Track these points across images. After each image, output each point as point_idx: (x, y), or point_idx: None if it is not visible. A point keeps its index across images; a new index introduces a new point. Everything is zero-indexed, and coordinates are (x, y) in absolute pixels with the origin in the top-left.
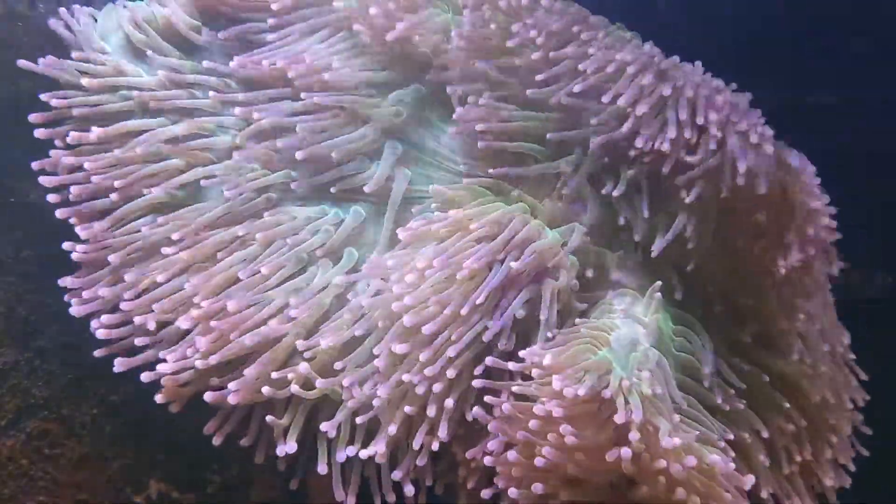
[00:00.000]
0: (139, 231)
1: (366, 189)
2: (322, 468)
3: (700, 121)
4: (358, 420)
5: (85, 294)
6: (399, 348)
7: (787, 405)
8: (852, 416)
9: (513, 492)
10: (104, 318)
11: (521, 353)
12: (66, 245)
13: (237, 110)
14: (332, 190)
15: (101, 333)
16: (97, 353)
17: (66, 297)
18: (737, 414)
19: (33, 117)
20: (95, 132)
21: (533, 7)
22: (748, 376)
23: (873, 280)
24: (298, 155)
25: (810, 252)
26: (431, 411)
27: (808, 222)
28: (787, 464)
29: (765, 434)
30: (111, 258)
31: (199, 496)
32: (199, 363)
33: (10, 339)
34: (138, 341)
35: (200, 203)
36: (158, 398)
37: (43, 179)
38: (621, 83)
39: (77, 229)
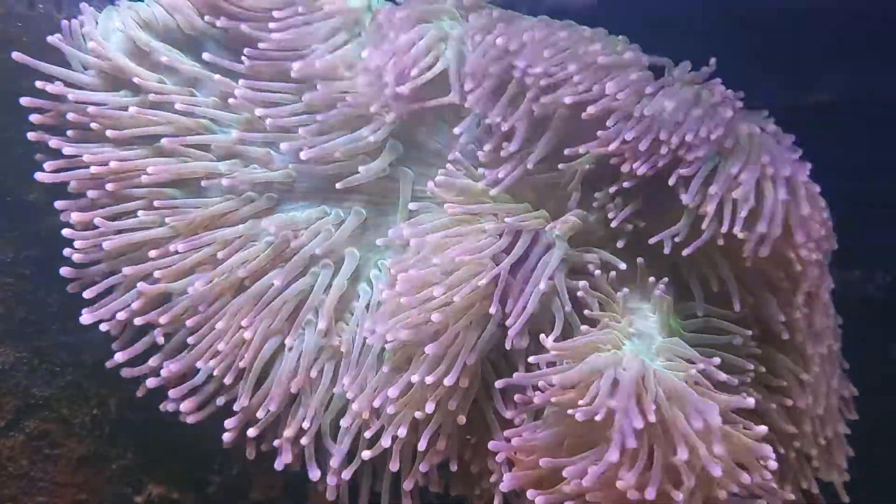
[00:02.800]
0: (138, 230)
1: (360, 172)
2: (315, 474)
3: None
4: (366, 434)
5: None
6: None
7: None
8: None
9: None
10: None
11: (532, 360)
12: (66, 251)
13: (238, 108)
14: (333, 187)
15: (118, 356)
16: (114, 362)
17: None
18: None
19: (34, 118)
20: (94, 128)
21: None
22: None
23: (873, 279)
24: (302, 154)
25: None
26: (441, 413)
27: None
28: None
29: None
30: (107, 254)
31: (199, 496)
32: (210, 386)
33: (10, 339)
34: (153, 360)
35: (200, 202)
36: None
37: (42, 176)
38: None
39: (75, 228)
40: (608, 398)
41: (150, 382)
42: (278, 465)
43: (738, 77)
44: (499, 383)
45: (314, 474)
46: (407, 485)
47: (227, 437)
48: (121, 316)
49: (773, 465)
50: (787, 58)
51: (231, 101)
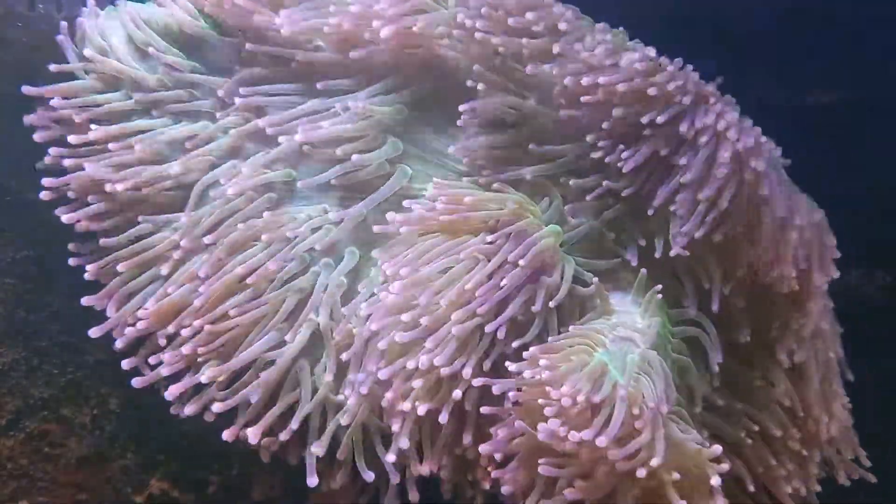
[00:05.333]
0: (143, 238)
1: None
2: (313, 481)
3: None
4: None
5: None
6: (399, 340)
7: (780, 407)
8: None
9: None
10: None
11: (512, 367)
12: (72, 261)
13: (237, 109)
14: (333, 187)
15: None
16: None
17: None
18: (734, 414)
19: (30, 119)
20: (95, 132)
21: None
22: (742, 376)
23: (873, 280)
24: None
25: (800, 266)
26: (439, 411)
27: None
28: (779, 464)
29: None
30: (119, 268)
31: (199, 496)
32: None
33: (10, 339)
34: (150, 356)
35: (201, 203)
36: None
37: (46, 183)
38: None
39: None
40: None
41: (139, 382)
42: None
43: (739, 77)
44: (476, 381)
45: (312, 481)
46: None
47: (226, 434)
48: (129, 331)
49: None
50: (788, 58)
51: (231, 99)
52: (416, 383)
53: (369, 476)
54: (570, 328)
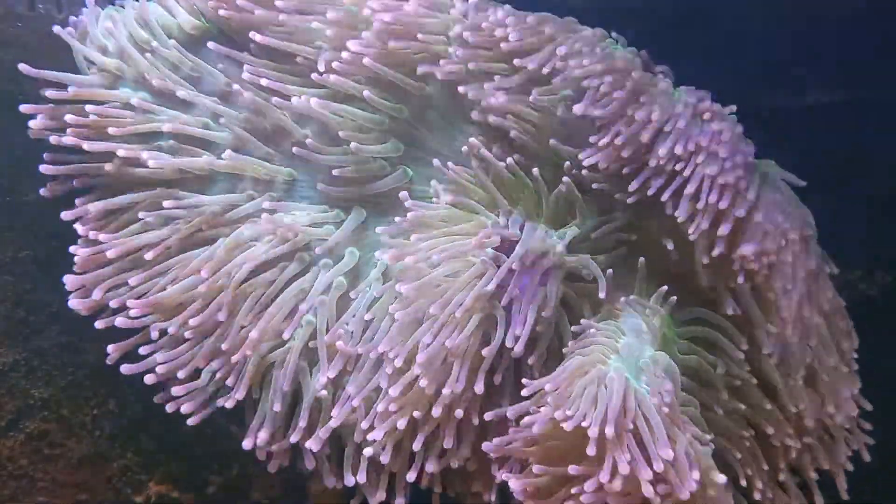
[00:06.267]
0: (140, 233)
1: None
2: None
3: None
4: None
5: (85, 293)
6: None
7: (774, 408)
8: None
9: None
10: (117, 321)
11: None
12: (73, 248)
13: (239, 105)
14: (333, 189)
15: (111, 349)
16: (114, 361)
17: (69, 299)
18: (736, 415)
19: (26, 108)
20: (93, 120)
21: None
22: (741, 377)
23: (873, 279)
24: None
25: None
26: (438, 414)
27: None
28: (779, 465)
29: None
30: (110, 254)
31: (199, 496)
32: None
33: (10, 339)
34: (143, 350)
35: (201, 202)
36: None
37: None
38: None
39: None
40: (590, 418)
41: (148, 379)
42: (272, 467)
43: (740, 77)
44: (488, 415)
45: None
46: (410, 476)
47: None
48: (120, 322)
49: None
50: (788, 57)
51: (233, 89)
52: (436, 412)
53: (350, 480)
54: (581, 338)
